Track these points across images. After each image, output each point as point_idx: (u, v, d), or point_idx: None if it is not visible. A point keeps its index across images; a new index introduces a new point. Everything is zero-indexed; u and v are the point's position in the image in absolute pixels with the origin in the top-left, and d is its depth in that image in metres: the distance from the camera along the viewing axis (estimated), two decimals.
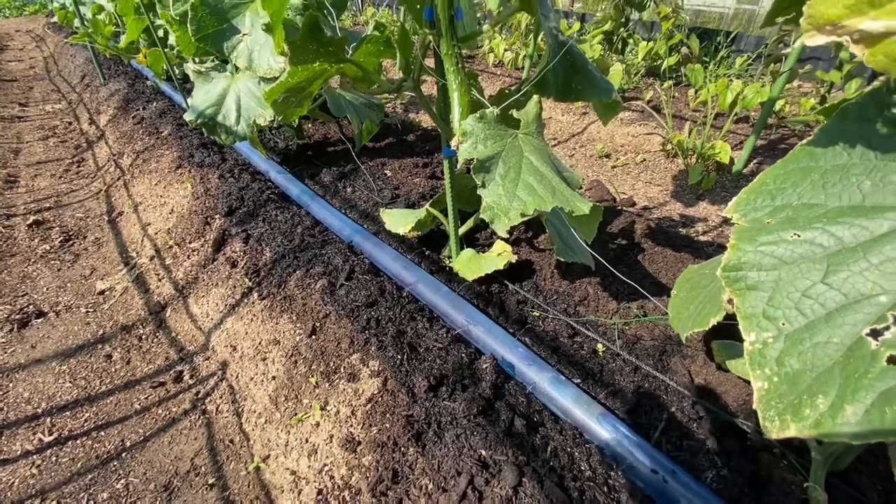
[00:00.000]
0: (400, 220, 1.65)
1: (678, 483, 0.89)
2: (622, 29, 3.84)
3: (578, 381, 1.16)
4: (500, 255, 1.47)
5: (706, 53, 3.97)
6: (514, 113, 1.13)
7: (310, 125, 2.97)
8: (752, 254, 0.56)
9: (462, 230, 1.55)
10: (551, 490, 0.89)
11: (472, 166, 0.97)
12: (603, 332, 1.31)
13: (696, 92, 3.28)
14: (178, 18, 1.74)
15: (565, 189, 0.97)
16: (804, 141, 0.60)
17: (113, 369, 1.67)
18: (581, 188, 2.42)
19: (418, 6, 1.04)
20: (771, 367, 0.51)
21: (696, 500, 0.87)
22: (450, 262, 1.61)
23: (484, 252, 1.56)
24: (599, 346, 1.26)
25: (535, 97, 1.13)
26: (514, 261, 1.47)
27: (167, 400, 1.54)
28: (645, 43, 3.86)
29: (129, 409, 1.52)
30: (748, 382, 1.07)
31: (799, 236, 0.54)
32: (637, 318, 1.33)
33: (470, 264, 1.47)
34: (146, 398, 1.55)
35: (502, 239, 1.59)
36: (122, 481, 1.30)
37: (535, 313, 1.39)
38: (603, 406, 1.06)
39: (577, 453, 0.98)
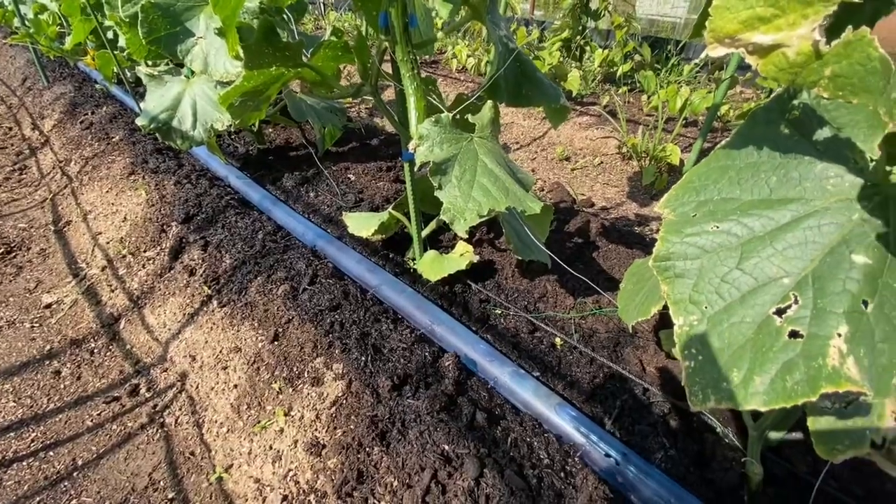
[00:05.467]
0: (363, 224, 1.66)
1: (630, 464, 0.94)
2: (579, 37, 3.99)
3: (538, 374, 1.21)
4: (462, 256, 1.50)
5: (658, 61, 4.18)
6: (470, 117, 1.17)
7: (270, 130, 2.92)
8: (678, 245, 0.62)
9: (425, 232, 1.57)
10: (511, 479, 0.92)
11: (429, 169, 1.00)
12: (561, 326, 1.36)
13: (648, 97, 3.44)
14: (127, 20, 1.68)
15: (518, 190, 1.02)
16: (723, 143, 0.66)
17: (62, 386, 1.59)
18: (534, 189, 2.50)
19: (374, 12, 1.06)
20: (696, 347, 0.56)
21: (646, 479, 0.92)
22: (414, 263, 1.63)
23: (447, 253, 1.59)
24: (558, 340, 1.31)
25: (490, 102, 1.17)
26: (476, 261, 1.51)
27: (122, 415, 1.48)
28: (601, 50, 4.02)
29: (81, 426, 1.45)
30: None
31: (718, 227, 0.60)
32: (592, 311, 1.39)
33: (433, 265, 1.50)
34: (99, 414, 1.48)
35: (464, 240, 1.62)
36: (74, 502, 1.25)
37: (496, 311, 1.43)
38: (561, 397, 1.10)
39: (536, 443, 1.02)
